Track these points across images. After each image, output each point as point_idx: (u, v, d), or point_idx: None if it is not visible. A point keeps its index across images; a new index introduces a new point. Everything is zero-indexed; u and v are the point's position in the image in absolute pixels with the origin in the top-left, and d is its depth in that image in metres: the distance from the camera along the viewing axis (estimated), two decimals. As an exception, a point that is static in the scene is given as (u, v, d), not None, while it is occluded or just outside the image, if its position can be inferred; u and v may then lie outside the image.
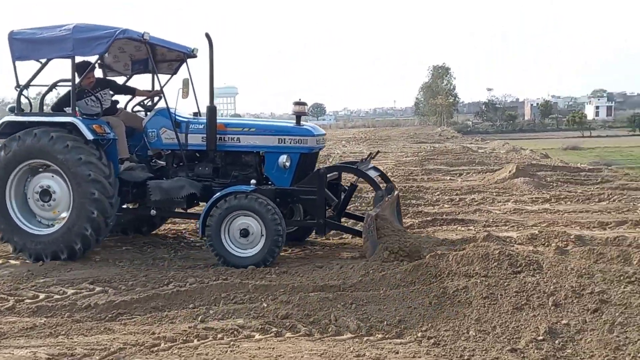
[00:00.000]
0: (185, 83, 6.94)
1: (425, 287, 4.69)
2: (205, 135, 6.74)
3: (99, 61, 7.23)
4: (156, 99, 7.84)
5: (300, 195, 6.59)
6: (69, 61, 6.44)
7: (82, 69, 6.73)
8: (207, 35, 6.52)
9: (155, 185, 6.65)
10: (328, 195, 6.66)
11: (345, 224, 7.35)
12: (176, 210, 7.33)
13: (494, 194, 10.83)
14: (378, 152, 8.28)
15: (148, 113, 7.61)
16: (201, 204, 6.96)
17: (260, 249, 6.06)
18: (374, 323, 4.26)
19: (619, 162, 35.33)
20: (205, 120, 6.81)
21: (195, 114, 7.37)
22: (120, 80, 7.94)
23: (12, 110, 6.98)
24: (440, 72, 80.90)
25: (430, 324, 4.17)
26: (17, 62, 6.68)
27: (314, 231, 6.95)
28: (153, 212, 6.91)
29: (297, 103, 6.81)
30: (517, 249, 5.34)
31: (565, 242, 5.93)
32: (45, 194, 6.54)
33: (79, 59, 6.61)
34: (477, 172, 14.62)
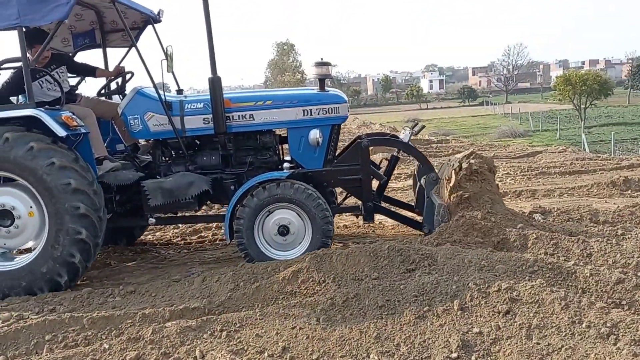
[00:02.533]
0: (170, 54, 5.22)
1: (309, 299, 3.88)
2: (208, 116, 5.29)
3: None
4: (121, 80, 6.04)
5: (340, 176, 5.42)
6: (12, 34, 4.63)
7: (30, 41, 4.92)
8: None
9: (154, 186, 5.16)
10: (375, 172, 5.56)
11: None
12: (182, 214, 5.76)
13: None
14: (424, 126, 6.67)
15: (119, 97, 5.90)
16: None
17: (308, 247, 4.95)
18: (252, 355, 3.35)
19: (454, 132, 38.13)
20: (206, 97, 5.32)
21: (178, 92, 5.75)
22: None
23: None
24: (286, 49, 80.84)
25: (321, 349, 3.36)
26: None
27: (361, 217, 5.50)
28: (152, 220, 5.40)
29: (320, 64, 5.45)
30: (408, 241, 4.74)
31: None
32: (5, 216, 4.78)
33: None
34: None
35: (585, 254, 4.37)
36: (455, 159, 5.66)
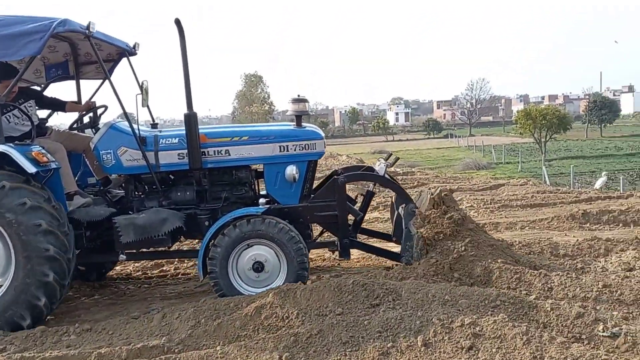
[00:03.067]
0: (146, 88, 5.09)
1: (272, 335, 3.80)
2: (183, 151, 5.22)
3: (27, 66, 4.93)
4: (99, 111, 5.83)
5: (317, 212, 5.36)
6: None
7: None
8: (178, 22, 4.91)
9: (126, 222, 5.01)
10: (351, 209, 5.50)
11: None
12: (153, 250, 5.52)
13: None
14: (398, 158, 6.63)
15: (92, 130, 5.73)
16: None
17: (285, 280, 4.88)
18: (212, 396, 3.26)
19: (420, 164, 38.70)
20: (181, 132, 5.25)
21: (153, 126, 5.65)
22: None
23: None
24: (254, 80, 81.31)
25: (284, 389, 3.30)
26: None
27: (337, 252, 5.48)
28: (122, 257, 5.29)
29: (297, 100, 5.43)
30: (372, 276, 4.72)
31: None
32: None
33: None
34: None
35: (546, 288, 4.43)
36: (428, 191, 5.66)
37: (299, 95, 5.47)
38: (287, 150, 5.36)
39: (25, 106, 5.28)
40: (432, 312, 3.80)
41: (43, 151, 4.83)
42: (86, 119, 6.02)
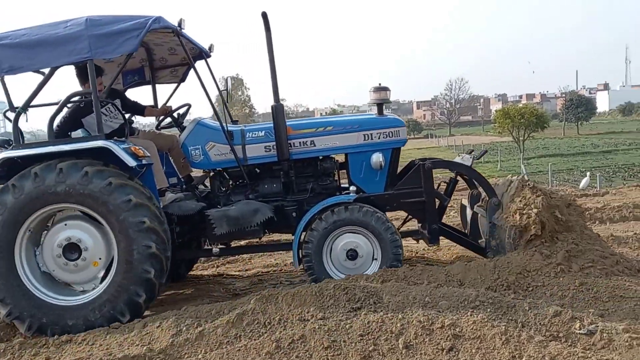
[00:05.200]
0: (230, 85, 5.50)
1: (254, 342, 3.80)
2: (269, 144, 5.40)
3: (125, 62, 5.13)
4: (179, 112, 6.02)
5: (403, 199, 5.40)
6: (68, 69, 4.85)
7: (86, 75, 4.87)
8: (264, 15, 5.10)
9: (219, 214, 5.12)
10: (439, 194, 5.56)
11: None
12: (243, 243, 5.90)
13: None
14: (486, 151, 6.71)
15: (178, 129, 5.93)
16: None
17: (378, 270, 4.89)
18: (194, 405, 3.25)
19: (401, 164, 38.94)
20: (266, 125, 5.49)
21: (233, 122, 5.84)
22: None
23: (4, 143, 5.10)
24: (234, 84, 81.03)
25: (267, 395, 3.30)
26: (6, 77, 4.79)
27: (427, 240, 5.44)
28: (216, 250, 5.55)
29: (378, 89, 5.53)
30: (353, 279, 4.74)
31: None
32: (72, 249, 4.76)
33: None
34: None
35: (525, 288, 4.49)
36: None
37: (380, 84, 5.60)
38: (372, 139, 5.45)
39: (114, 104, 5.41)
40: (413, 314, 3.83)
41: (140, 147, 4.97)
42: (167, 120, 6.19)
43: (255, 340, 3.85)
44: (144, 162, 4.88)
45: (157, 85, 6.51)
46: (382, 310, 3.98)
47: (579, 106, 63.49)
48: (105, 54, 4.75)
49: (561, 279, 4.44)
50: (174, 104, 6.27)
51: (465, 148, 47.39)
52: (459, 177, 5.94)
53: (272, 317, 4.07)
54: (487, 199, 5.43)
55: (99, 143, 4.73)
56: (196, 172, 6.00)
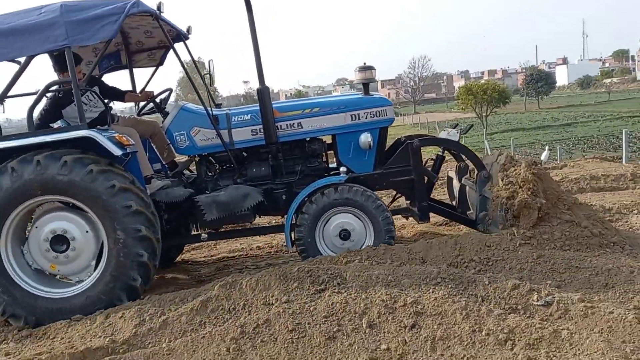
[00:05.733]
0: (212, 68, 5.32)
1: (218, 328, 3.78)
2: (255, 128, 5.36)
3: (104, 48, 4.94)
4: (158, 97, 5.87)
5: (392, 178, 5.45)
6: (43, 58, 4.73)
7: (63, 64, 4.82)
8: None
9: (208, 200, 5.05)
10: (427, 172, 5.57)
11: None
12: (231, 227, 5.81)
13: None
14: (472, 125, 6.78)
15: (160, 115, 5.76)
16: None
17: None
18: (159, 394, 3.23)
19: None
20: (252, 108, 5.45)
21: (217, 106, 5.71)
22: None
23: None
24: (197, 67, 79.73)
25: (232, 381, 3.30)
26: None
27: (417, 217, 5.45)
28: (204, 236, 5.49)
29: (364, 68, 5.49)
30: (318, 261, 4.75)
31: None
32: (59, 241, 4.68)
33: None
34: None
35: (485, 262, 4.58)
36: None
37: (365, 64, 5.56)
38: (359, 119, 5.44)
39: (94, 92, 5.24)
40: (376, 294, 3.87)
41: (124, 135, 4.87)
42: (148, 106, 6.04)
43: (220, 326, 3.84)
44: (128, 150, 4.78)
45: (134, 70, 6.34)
46: (345, 291, 4.01)
47: (539, 81, 64.68)
48: (83, 40, 4.58)
49: (519, 252, 4.53)
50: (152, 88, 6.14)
51: (430, 125, 47.91)
52: (445, 153, 5.98)
53: (236, 302, 4.06)
54: (476, 171, 5.49)
55: (82, 133, 4.60)
56: (179, 158, 5.95)
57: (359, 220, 5.12)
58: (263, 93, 5.24)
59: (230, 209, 5.02)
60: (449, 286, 3.95)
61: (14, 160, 4.55)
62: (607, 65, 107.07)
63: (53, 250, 4.68)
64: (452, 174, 6.20)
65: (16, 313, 4.57)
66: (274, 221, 6.60)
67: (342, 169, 5.35)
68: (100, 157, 4.65)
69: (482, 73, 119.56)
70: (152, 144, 5.86)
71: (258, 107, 5.33)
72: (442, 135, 5.95)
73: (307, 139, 5.58)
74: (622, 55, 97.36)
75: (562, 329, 3.30)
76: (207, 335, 3.73)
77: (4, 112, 4.88)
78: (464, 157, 5.84)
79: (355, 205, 5.05)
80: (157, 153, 5.87)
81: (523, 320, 3.43)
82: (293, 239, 5.16)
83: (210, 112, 5.20)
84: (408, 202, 5.89)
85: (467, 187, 5.69)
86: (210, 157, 5.58)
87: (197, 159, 5.64)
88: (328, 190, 5.07)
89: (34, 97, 4.78)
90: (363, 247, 5.03)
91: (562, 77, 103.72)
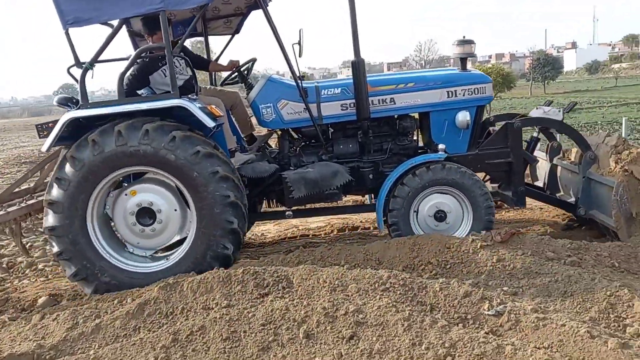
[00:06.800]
0: (301, 38, 4.95)
1: (151, 335, 3.58)
2: (345, 102, 5.14)
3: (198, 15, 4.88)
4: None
5: (488, 160, 5.20)
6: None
7: (152, 28, 4.86)
8: None
9: (297, 176, 4.92)
10: (527, 155, 5.32)
11: None
12: (317, 206, 5.60)
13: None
14: (576, 103, 6.53)
15: (244, 85, 5.67)
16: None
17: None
18: (76, 407, 3.04)
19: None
20: (342, 82, 5.23)
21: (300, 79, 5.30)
22: None
23: (64, 101, 4.74)
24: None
25: (154, 394, 3.11)
26: (71, 30, 4.44)
27: (512, 202, 5.27)
28: (289, 213, 5.28)
29: (463, 42, 5.26)
30: (269, 262, 4.53)
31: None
32: (146, 214, 4.66)
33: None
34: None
35: (443, 265, 4.35)
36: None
37: (464, 37, 5.32)
38: (455, 96, 5.21)
39: (184, 58, 5.03)
40: (319, 300, 3.66)
41: (214, 106, 4.80)
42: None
43: (154, 332, 3.64)
44: (221, 121, 4.74)
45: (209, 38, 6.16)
46: (289, 296, 3.80)
47: (546, 65, 63.64)
48: (179, 4, 4.51)
49: (479, 255, 4.29)
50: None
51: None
52: (541, 135, 5.72)
53: (175, 306, 3.86)
54: (581, 153, 5.24)
55: (176, 102, 4.50)
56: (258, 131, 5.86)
57: (458, 202, 4.93)
58: (358, 65, 5.00)
59: (320, 186, 4.90)
60: (398, 292, 3.73)
61: (95, 132, 4.47)
62: (616, 50, 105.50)
63: (140, 224, 4.68)
64: (539, 154, 5.91)
65: (90, 278, 4.57)
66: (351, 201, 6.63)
67: (441, 146, 5.04)
68: (181, 124, 4.55)
69: (490, 57, 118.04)
70: (232, 116, 5.66)
71: (348, 81, 5.15)
72: (534, 113, 5.66)
73: (398, 115, 5.36)
74: (632, 40, 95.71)
75: (506, 344, 3.07)
76: (138, 342, 3.53)
77: (92, 77, 4.71)
78: (564, 137, 5.76)
79: (458, 186, 4.84)
80: (237, 125, 5.69)
81: (467, 334, 3.21)
82: (387, 212, 4.94)
83: (301, 85, 5.00)
84: (495, 185, 5.66)
85: (560, 168, 5.48)
86: (294, 132, 5.42)
87: (279, 133, 5.46)
88: (434, 166, 4.85)
89: (126, 63, 4.66)
90: (460, 229, 4.92)
91: (570, 61, 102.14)
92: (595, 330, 3.17)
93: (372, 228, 6.56)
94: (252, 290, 3.92)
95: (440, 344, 3.15)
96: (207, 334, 3.50)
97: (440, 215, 4.91)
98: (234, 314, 3.64)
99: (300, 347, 3.32)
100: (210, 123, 4.52)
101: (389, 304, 3.49)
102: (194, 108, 4.49)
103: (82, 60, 4.61)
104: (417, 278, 3.95)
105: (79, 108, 4.59)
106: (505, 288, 3.88)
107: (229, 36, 6.16)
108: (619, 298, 3.59)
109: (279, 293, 3.87)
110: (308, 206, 5.81)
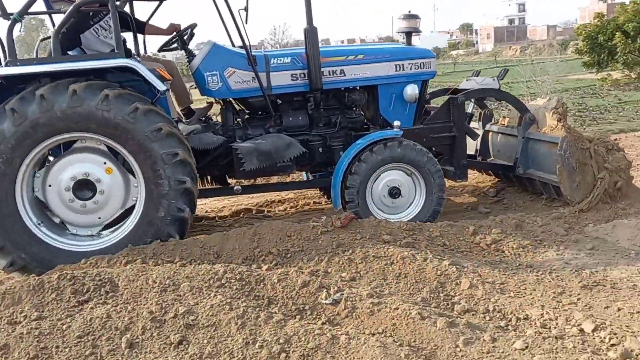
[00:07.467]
0: (247, 4, 4.60)
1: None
2: (295, 72, 4.94)
3: None
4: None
5: (433, 134, 5.22)
6: None
7: None
8: None
9: (249, 149, 4.64)
10: (469, 129, 5.44)
11: None
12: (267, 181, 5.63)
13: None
14: (507, 70, 6.29)
15: (184, 51, 5.18)
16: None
17: (419, 212, 4.88)
18: None
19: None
20: (292, 51, 5.05)
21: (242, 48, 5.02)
22: None
23: None
24: (34, 24, 72.00)
25: None
26: None
27: (454, 176, 5.35)
28: (238, 188, 5.08)
29: (408, 16, 5.26)
30: (91, 264, 4.06)
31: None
32: (85, 187, 4.22)
33: None
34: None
35: (284, 255, 4.22)
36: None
37: (409, 12, 5.31)
38: (403, 69, 5.18)
39: (105, 20, 4.56)
40: (147, 304, 3.33)
41: (164, 69, 4.50)
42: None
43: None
44: (167, 86, 4.44)
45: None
46: (112, 302, 3.41)
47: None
48: None
49: (320, 241, 4.22)
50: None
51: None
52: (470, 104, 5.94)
53: (-19, 325, 3.29)
54: (520, 115, 5.44)
55: (122, 62, 4.14)
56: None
57: (412, 180, 4.97)
58: (312, 34, 4.76)
59: (273, 158, 4.70)
60: (234, 288, 3.52)
61: (44, 87, 3.99)
62: (454, 37, 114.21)
63: (78, 198, 4.26)
64: (472, 125, 6.09)
65: (28, 266, 4.19)
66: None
67: (396, 123, 5.00)
68: (143, 96, 4.21)
69: (342, 41, 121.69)
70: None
71: (299, 50, 5.01)
72: (465, 85, 5.82)
73: (347, 88, 5.22)
74: (467, 28, 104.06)
75: (341, 334, 3.01)
76: None
77: (20, 31, 4.30)
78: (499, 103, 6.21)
79: (414, 164, 4.85)
80: (174, 96, 5.28)
81: (303, 327, 3.09)
82: (344, 189, 4.85)
83: (250, 52, 4.73)
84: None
85: (492, 134, 5.72)
86: (239, 103, 5.17)
87: (222, 104, 5.15)
88: (391, 144, 4.81)
89: (62, 17, 4.25)
90: (407, 211, 4.97)
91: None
92: (426, 311, 3.22)
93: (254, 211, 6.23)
94: (70, 297, 3.47)
95: (275, 340, 2.99)
96: (12, 353, 3.03)
97: (395, 192, 4.94)
98: (45, 327, 3.19)
99: (123, 358, 2.98)
100: (161, 86, 4.22)
101: (222, 302, 3.27)
102: (143, 69, 4.18)
103: (9, 11, 4.24)
104: (256, 271, 3.77)
105: (7, 64, 4.11)
106: (343, 274, 3.85)
107: (157, 0, 5.48)
108: (448, 277, 3.71)
109: (100, 299, 3.46)
110: (246, 182, 5.72)
